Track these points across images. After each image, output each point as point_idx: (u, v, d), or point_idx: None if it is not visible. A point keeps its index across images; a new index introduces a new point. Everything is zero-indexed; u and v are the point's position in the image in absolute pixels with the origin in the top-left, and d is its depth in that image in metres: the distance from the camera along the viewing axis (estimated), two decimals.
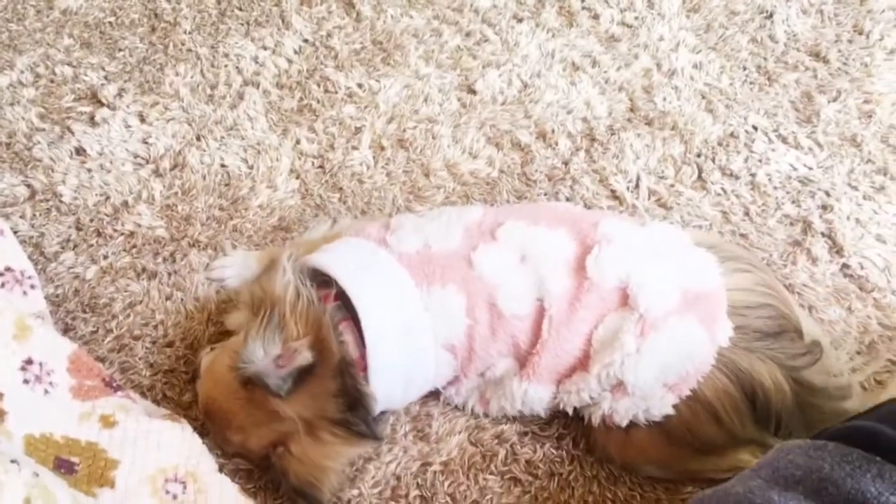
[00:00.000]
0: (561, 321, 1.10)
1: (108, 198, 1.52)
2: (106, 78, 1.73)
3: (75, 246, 1.45)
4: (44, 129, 1.63)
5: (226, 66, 1.75)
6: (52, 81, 1.72)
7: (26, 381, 1.07)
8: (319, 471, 1.12)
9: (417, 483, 1.20)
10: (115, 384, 1.18)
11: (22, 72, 1.74)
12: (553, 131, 1.62)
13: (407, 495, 1.19)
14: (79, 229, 1.48)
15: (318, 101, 1.68)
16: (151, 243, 1.46)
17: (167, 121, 1.64)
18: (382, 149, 1.60)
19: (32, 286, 1.30)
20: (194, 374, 1.26)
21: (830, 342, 1.27)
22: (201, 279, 1.41)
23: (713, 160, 1.56)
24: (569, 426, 1.24)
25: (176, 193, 1.53)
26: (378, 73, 1.73)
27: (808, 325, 1.18)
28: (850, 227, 1.45)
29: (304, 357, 1.07)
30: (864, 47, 1.75)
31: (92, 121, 1.64)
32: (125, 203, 1.51)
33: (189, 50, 1.78)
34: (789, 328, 1.11)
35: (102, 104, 1.67)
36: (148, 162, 1.58)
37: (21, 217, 1.49)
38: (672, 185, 1.53)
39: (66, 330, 1.34)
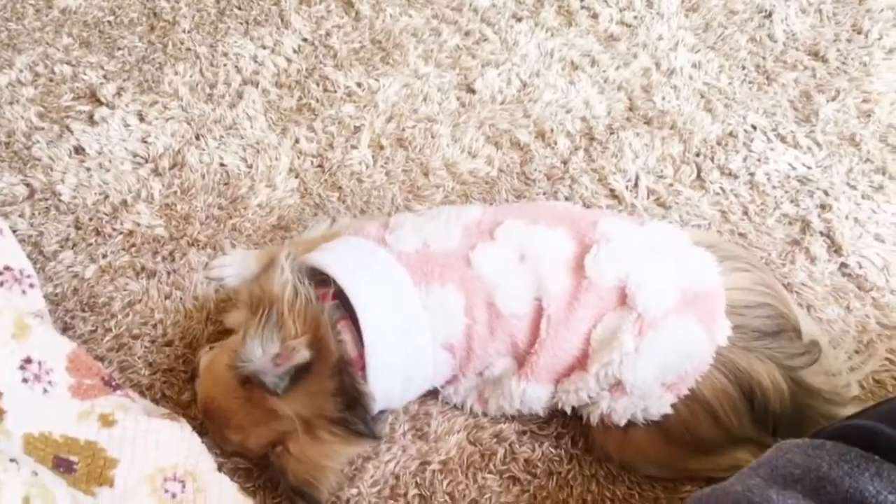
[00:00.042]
0: (559, 320, 1.10)
1: (107, 197, 1.52)
2: (105, 77, 1.73)
3: (74, 245, 1.45)
4: (43, 128, 1.63)
5: (225, 65, 1.75)
6: (51, 80, 1.72)
7: (25, 380, 1.07)
8: (318, 470, 1.12)
9: (416, 482, 1.20)
10: (114, 383, 1.18)
11: (21, 71, 1.74)
12: (552, 130, 1.62)
13: (406, 494, 1.19)
14: (78, 228, 1.48)
15: (318, 101, 1.68)
16: (150, 242, 1.46)
17: (166, 120, 1.64)
18: (381, 148, 1.60)
19: (31, 285, 1.30)
20: (193, 373, 1.26)
21: (829, 341, 1.27)
22: (200, 278, 1.41)
23: (712, 159, 1.56)
24: (567, 425, 1.24)
25: (175, 192, 1.53)
26: (377, 73, 1.73)
27: (806, 325, 1.18)
28: (848, 226, 1.46)
29: (302, 355, 1.07)
30: (863, 46, 1.75)
31: (91, 120, 1.64)
32: (124, 202, 1.51)
33: (188, 49, 1.78)
34: (788, 327, 1.11)
35: (101, 103, 1.67)
36: (147, 161, 1.58)
37: (20, 216, 1.49)
38: (671, 185, 1.53)
39: (64, 329, 1.34)
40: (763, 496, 0.78)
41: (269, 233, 1.48)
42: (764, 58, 1.75)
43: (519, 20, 1.83)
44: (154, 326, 1.36)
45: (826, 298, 1.38)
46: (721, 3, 1.85)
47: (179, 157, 1.58)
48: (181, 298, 1.39)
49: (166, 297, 1.39)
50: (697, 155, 1.57)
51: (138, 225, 1.47)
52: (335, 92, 1.69)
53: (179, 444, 1.12)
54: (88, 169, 1.55)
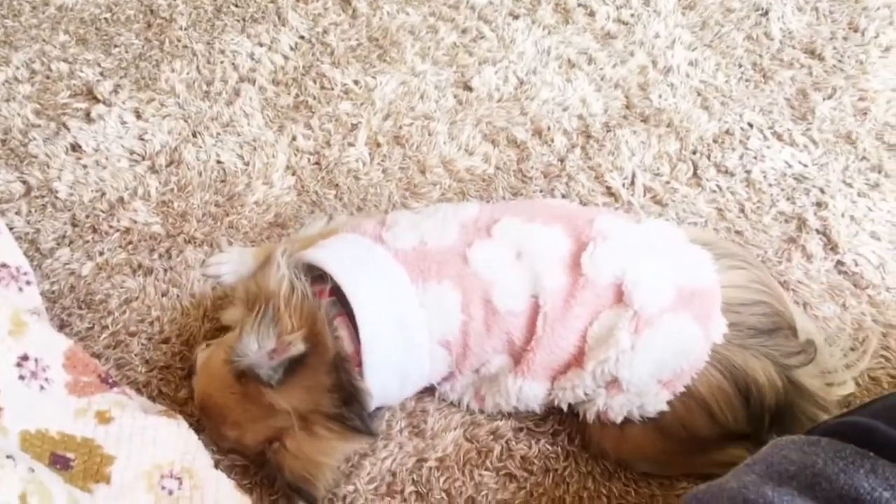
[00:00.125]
0: (556, 318, 1.10)
1: (103, 194, 1.52)
2: (102, 74, 1.73)
3: (71, 242, 1.45)
4: (39, 126, 1.63)
5: (222, 62, 1.74)
6: (47, 78, 1.72)
7: (22, 377, 1.07)
8: (314, 466, 1.12)
9: (413, 479, 1.20)
10: (110, 380, 1.18)
11: (17, 68, 1.73)
12: (549, 128, 1.62)
13: (402, 491, 1.19)
14: (74, 226, 1.48)
15: (315, 98, 1.68)
16: (147, 240, 1.46)
17: (163, 117, 1.64)
18: (378, 145, 1.60)
19: (28, 282, 1.30)
20: (190, 370, 1.26)
21: (825, 339, 1.27)
22: (197, 275, 1.41)
23: (708, 157, 1.57)
24: (564, 422, 1.24)
25: (172, 190, 1.53)
26: (374, 70, 1.73)
27: (802, 322, 1.18)
28: (844, 224, 1.46)
29: (297, 348, 1.06)
30: (860, 45, 1.75)
31: (88, 117, 1.64)
32: (121, 199, 1.51)
33: (185, 46, 1.78)
34: (784, 325, 1.12)
35: (98, 100, 1.67)
36: (144, 158, 1.58)
37: (17, 213, 1.48)
38: (667, 182, 1.53)
39: (61, 326, 1.34)
40: (759, 493, 0.78)
41: (266, 230, 1.48)
42: (760, 56, 1.75)
43: (516, 18, 1.84)
44: (151, 324, 1.36)
45: (822, 296, 1.38)
46: (718, 1, 1.86)
47: (176, 154, 1.58)
48: (178, 296, 1.39)
49: (163, 295, 1.39)
50: (694, 153, 1.58)
51: (135, 222, 1.47)
52: (332, 89, 1.69)
53: (176, 440, 1.12)
54: (85, 166, 1.55)
